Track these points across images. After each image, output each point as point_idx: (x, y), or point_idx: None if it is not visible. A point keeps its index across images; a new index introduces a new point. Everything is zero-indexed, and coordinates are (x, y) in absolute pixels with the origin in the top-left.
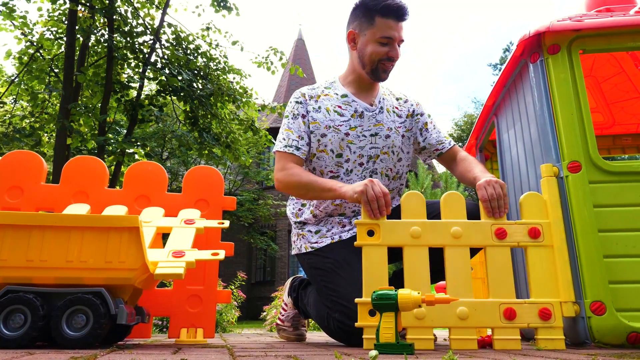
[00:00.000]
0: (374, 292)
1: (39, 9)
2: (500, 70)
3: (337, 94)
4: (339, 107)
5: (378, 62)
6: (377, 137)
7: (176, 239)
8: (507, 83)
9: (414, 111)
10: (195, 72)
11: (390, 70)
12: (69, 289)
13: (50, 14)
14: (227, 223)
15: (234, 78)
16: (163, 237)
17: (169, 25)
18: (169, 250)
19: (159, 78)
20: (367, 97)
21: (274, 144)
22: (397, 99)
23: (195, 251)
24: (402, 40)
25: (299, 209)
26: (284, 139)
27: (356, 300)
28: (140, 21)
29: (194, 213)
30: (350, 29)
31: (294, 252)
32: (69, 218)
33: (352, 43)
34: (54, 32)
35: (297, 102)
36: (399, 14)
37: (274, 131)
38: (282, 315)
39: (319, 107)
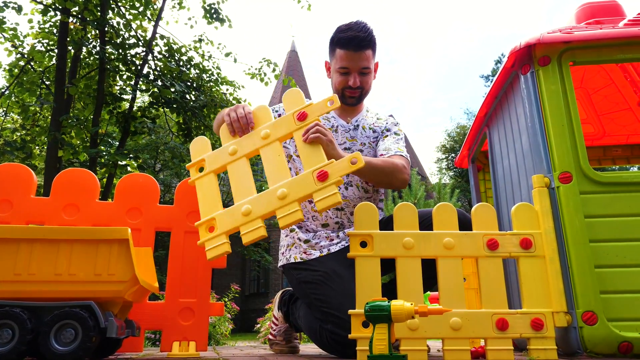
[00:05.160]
0: (366, 303)
1: (30, 21)
2: (492, 82)
3: None
4: None
5: (342, 90)
6: (350, 152)
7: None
8: (498, 94)
9: (385, 127)
10: (188, 83)
11: (357, 96)
12: (57, 303)
13: (41, 26)
14: None
15: (227, 89)
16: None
17: (162, 37)
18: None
19: (152, 90)
20: (347, 116)
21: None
22: (378, 119)
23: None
24: (365, 68)
25: None
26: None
27: (349, 311)
28: (133, 33)
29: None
30: (326, 60)
31: (280, 263)
32: (57, 231)
33: (328, 72)
34: (45, 44)
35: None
36: (353, 44)
37: None
38: (274, 330)
39: None
